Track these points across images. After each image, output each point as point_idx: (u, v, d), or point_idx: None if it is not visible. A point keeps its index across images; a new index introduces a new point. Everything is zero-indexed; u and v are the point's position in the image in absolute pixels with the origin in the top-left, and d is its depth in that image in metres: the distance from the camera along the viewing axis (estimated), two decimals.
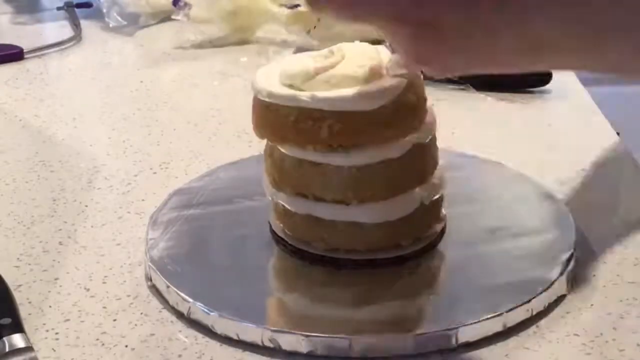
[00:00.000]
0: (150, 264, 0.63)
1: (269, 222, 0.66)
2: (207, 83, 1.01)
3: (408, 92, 0.60)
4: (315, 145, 0.59)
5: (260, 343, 0.56)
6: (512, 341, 0.57)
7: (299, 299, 0.62)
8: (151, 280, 0.63)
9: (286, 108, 0.59)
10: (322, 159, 0.60)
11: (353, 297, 0.59)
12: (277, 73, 0.61)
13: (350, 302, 0.59)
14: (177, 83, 1.02)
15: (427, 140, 0.62)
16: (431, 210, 0.63)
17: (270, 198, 0.65)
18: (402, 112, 0.60)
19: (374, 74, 0.59)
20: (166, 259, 0.63)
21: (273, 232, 0.65)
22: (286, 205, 0.63)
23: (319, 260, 0.62)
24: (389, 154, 0.60)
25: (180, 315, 0.60)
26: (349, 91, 0.58)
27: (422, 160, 0.62)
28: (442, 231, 0.65)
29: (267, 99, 0.60)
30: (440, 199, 0.64)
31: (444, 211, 0.65)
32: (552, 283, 0.59)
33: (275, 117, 0.60)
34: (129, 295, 0.62)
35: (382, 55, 0.61)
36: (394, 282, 0.60)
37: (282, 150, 0.62)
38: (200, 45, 1.09)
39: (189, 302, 0.59)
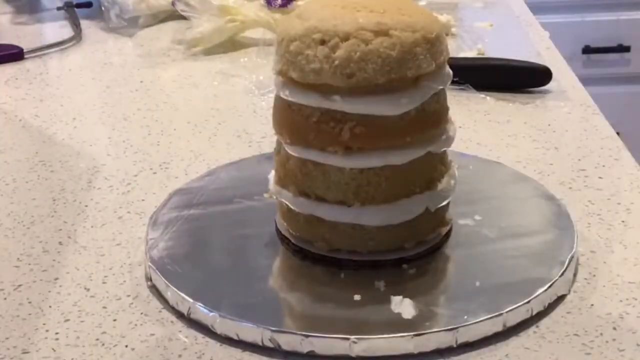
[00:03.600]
0: (150, 264, 0.63)
1: (275, 221, 0.66)
2: (207, 83, 1.01)
3: (433, 101, 0.60)
4: (335, 147, 0.59)
5: (260, 343, 0.56)
6: (512, 341, 0.57)
7: (299, 299, 0.62)
8: (151, 280, 0.63)
9: (309, 108, 0.60)
10: (324, 159, 0.60)
11: (353, 298, 0.59)
12: None
13: (351, 302, 0.59)
14: (177, 83, 1.02)
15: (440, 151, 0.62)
16: (436, 215, 0.63)
17: (274, 197, 0.65)
18: (425, 120, 0.60)
19: None
20: (166, 259, 0.63)
21: (278, 231, 0.65)
22: (289, 205, 0.63)
23: (321, 260, 0.62)
24: (393, 160, 0.60)
25: (180, 315, 0.60)
26: (373, 95, 0.58)
27: (429, 167, 0.62)
28: (447, 234, 0.65)
29: (289, 98, 0.60)
30: (447, 204, 0.64)
31: (449, 215, 0.65)
32: (552, 283, 0.59)
33: (297, 117, 0.60)
34: (129, 295, 0.62)
35: None
36: (395, 282, 0.60)
37: (287, 148, 0.62)
38: (200, 46, 1.08)
39: (189, 302, 0.59)
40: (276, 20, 1.08)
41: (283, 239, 0.65)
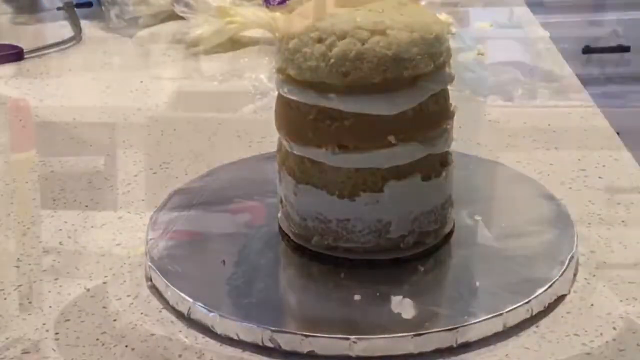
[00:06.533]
0: (150, 264, 0.63)
1: (278, 218, 0.66)
2: (207, 83, 1.01)
3: (431, 101, 0.60)
4: (330, 145, 0.59)
5: (260, 343, 0.56)
6: (512, 341, 0.57)
7: (300, 299, 0.62)
8: (151, 280, 0.63)
9: (306, 106, 0.60)
10: (320, 157, 0.60)
11: (353, 298, 0.59)
12: None
13: (351, 302, 0.59)
14: (177, 83, 1.02)
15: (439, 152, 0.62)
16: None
17: (278, 192, 0.65)
18: (423, 121, 0.60)
19: None
20: (166, 259, 0.63)
21: (280, 228, 0.65)
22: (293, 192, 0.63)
23: (319, 258, 0.62)
24: (389, 161, 0.60)
25: (180, 315, 0.60)
26: (369, 94, 0.58)
27: (428, 167, 0.62)
28: (447, 234, 0.65)
29: (288, 96, 0.60)
30: (448, 204, 0.64)
31: (452, 216, 0.65)
32: (552, 283, 0.59)
33: (295, 115, 0.61)
34: (129, 295, 0.62)
35: None
36: (395, 282, 0.60)
37: (285, 145, 0.62)
38: (200, 46, 1.08)
39: (189, 302, 0.59)
40: (276, 19, 1.08)
41: (284, 235, 0.65)
